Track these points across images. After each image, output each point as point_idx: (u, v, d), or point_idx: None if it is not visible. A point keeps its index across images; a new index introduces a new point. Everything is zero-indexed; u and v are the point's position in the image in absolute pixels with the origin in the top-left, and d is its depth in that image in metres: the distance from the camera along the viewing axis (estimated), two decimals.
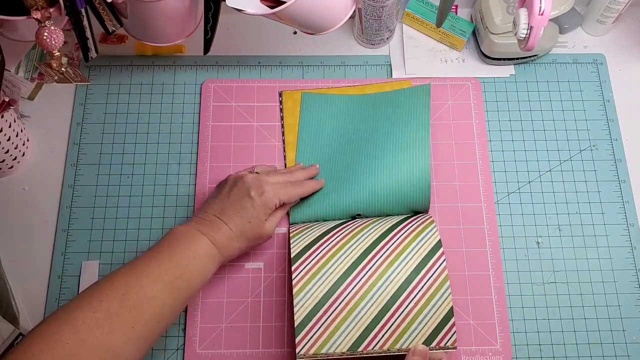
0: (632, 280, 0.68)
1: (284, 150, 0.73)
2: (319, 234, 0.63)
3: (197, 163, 0.72)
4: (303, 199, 0.69)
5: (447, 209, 0.70)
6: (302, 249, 0.61)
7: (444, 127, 0.74)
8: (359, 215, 0.68)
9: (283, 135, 0.73)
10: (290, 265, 0.66)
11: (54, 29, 0.53)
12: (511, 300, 0.67)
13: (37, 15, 0.52)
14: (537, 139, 0.74)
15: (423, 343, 0.57)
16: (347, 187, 0.68)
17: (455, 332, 0.57)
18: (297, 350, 0.56)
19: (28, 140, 0.72)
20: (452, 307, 0.57)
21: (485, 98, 0.76)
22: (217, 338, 0.65)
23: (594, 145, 0.74)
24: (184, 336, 0.65)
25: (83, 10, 0.55)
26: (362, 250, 0.61)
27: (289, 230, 0.67)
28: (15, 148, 0.69)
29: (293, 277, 0.59)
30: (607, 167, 0.73)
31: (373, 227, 0.64)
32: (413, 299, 0.58)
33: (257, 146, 0.73)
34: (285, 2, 0.54)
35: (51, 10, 0.53)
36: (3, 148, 0.67)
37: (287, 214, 0.69)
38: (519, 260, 0.68)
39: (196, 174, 0.72)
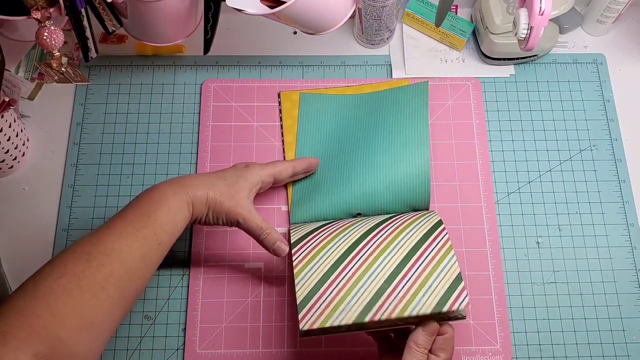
0: (632, 280, 0.68)
1: (284, 152, 0.73)
2: (318, 225, 0.64)
3: (197, 163, 0.72)
4: (303, 198, 0.69)
5: (447, 209, 0.70)
6: (302, 236, 0.61)
7: (444, 127, 0.74)
8: (359, 214, 0.68)
9: (282, 136, 0.73)
10: (290, 265, 0.66)
11: (54, 29, 0.53)
12: (511, 300, 0.67)
13: (37, 15, 0.52)
14: (537, 139, 0.74)
15: (434, 309, 0.53)
16: (346, 186, 0.68)
17: (466, 295, 0.54)
18: (300, 326, 0.54)
19: (28, 140, 0.72)
20: (459, 272, 0.55)
21: (485, 98, 0.76)
22: (217, 338, 0.65)
23: (594, 145, 0.74)
24: (184, 336, 0.65)
25: (83, 10, 0.55)
26: (363, 231, 0.60)
27: (289, 230, 0.67)
28: (15, 148, 0.69)
29: (293, 259, 0.58)
30: (607, 167, 0.73)
31: (373, 217, 0.64)
32: (419, 266, 0.56)
33: (257, 146, 0.73)
34: (285, 2, 0.54)
35: (51, 10, 0.53)
36: (3, 148, 0.67)
37: (288, 213, 0.69)
38: (519, 260, 0.68)
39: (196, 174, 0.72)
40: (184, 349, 0.64)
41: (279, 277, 0.67)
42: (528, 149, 0.74)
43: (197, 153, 0.73)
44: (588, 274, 0.68)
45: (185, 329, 0.65)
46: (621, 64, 0.79)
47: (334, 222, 0.64)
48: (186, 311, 0.66)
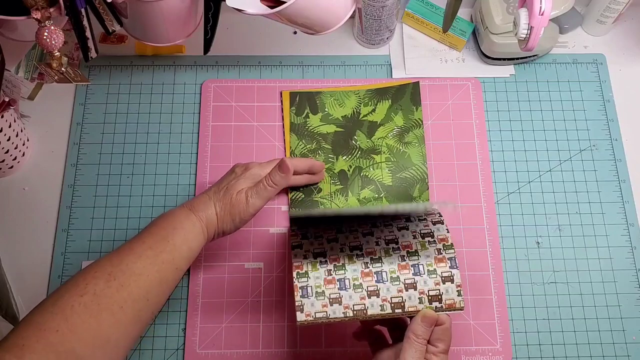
0: (632, 280, 0.68)
1: (285, 151, 0.73)
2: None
3: (197, 163, 0.72)
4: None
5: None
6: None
7: (444, 127, 0.74)
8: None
9: (284, 135, 0.73)
10: (290, 265, 0.66)
11: (54, 29, 0.53)
12: (511, 300, 0.67)
13: (37, 15, 0.52)
14: (537, 139, 0.74)
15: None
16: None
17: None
18: (298, 318, 0.53)
19: (28, 140, 0.72)
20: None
21: (485, 98, 0.76)
22: (217, 338, 0.65)
23: (594, 145, 0.74)
24: (184, 336, 0.65)
25: (83, 10, 0.55)
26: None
27: (289, 229, 0.67)
28: (15, 148, 0.69)
29: (292, 254, 0.58)
30: (607, 167, 0.73)
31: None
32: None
33: (257, 146, 0.73)
34: (285, 2, 0.54)
35: (51, 10, 0.53)
36: (3, 148, 0.67)
37: (287, 213, 0.69)
38: (519, 260, 0.68)
39: (196, 174, 0.72)
40: (184, 349, 0.64)
41: (279, 277, 0.67)
42: (528, 149, 0.74)
43: (197, 153, 0.73)
44: (588, 274, 0.68)
45: (185, 329, 0.65)
46: (621, 64, 0.79)
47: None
48: (186, 311, 0.66)
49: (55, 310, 0.49)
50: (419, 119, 0.73)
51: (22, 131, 0.71)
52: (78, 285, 0.50)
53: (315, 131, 0.73)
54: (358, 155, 0.71)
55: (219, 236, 0.61)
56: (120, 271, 0.52)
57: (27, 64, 0.77)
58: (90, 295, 0.50)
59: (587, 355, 0.64)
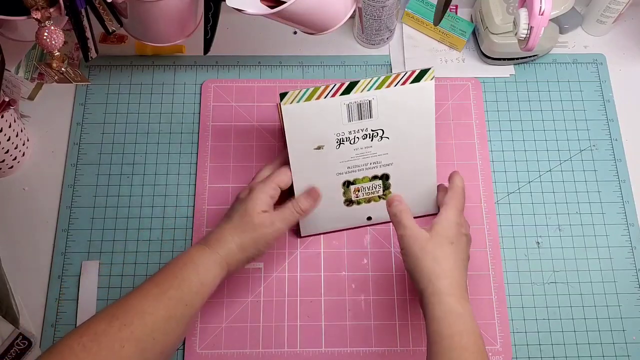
0: (632, 280, 0.68)
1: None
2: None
3: (197, 163, 0.72)
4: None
5: None
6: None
7: (444, 127, 0.74)
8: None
9: (284, 136, 0.73)
10: (291, 265, 0.66)
11: (54, 29, 0.53)
12: (511, 300, 0.67)
13: (37, 15, 0.52)
14: (537, 139, 0.74)
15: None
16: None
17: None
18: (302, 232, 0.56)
19: (28, 140, 0.72)
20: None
21: (485, 98, 0.76)
22: (217, 338, 0.65)
23: (594, 145, 0.74)
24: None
25: (83, 10, 0.55)
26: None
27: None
28: (15, 148, 0.69)
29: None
30: (607, 167, 0.73)
31: None
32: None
33: (257, 146, 0.73)
34: (285, 2, 0.54)
35: (51, 10, 0.53)
36: (3, 148, 0.67)
37: (298, 228, 0.68)
38: (519, 260, 0.68)
39: (196, 174, 0.72)
40: (184, 349, 0.64)
41: (279, 277, 0.67)
42: (528, 149, 0.74)
43: (197, 153, 0.73)
44: (588, 274, 0.68)
45: None
46: (621, 64, 0.79)
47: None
48: None
49: (54, 351, 0.48)
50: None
51: (22, 131, 0.71)
52: (80, 328, 0.50)
53: None
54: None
55: (243, 265, 0.58)
56: (124, 311, 0.50)
57: (27, 64, 0.77)
58: (90, 335, 0.48)
59: (587, 355, 0.64)
